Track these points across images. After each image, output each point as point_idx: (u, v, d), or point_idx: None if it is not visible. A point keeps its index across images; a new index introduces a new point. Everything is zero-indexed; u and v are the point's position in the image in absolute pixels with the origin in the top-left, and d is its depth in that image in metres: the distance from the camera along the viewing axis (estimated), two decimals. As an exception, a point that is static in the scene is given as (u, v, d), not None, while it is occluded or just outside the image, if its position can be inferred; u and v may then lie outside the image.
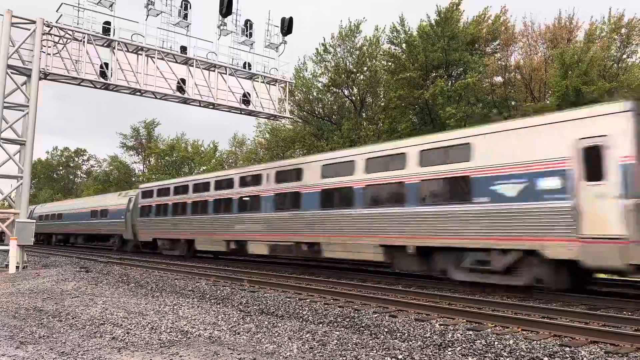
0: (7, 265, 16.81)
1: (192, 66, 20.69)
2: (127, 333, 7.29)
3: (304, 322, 8.44)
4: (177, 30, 20.43)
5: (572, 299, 10.87)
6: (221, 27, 21.26)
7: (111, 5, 18.92)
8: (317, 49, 33.98)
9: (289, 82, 23.97)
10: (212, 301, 10.82)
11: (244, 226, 19.25)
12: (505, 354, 6.40)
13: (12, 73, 17.29)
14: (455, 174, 12.38)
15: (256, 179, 19.25)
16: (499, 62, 30.11)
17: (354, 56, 32.90)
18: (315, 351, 6.38)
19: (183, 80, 20.52)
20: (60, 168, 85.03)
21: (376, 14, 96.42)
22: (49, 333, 7.26)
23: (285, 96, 23.52)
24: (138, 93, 20.02)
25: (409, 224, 13.29)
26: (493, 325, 8.15)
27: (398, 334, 7.51)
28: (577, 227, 10.05)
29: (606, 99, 23.48)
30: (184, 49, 20.56)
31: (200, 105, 21.64)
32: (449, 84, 28.65)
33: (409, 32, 29.80)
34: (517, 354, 6.39)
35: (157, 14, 19.92)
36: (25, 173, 17.48)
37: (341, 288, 12.70)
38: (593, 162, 10.06)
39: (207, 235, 21.63)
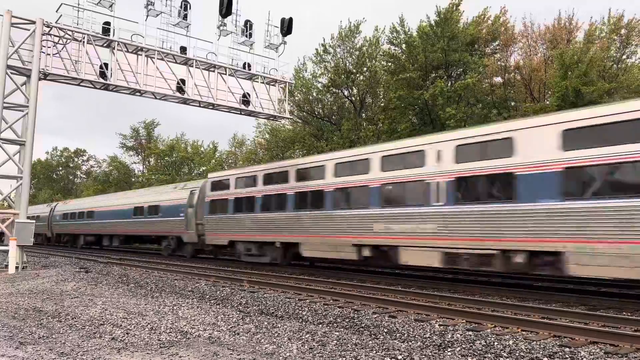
0: (6, 266, 16.80)
1: (192, 66, 20.69)
2: (127, 333, 7.29)
3: (304, 323, 8.44)
4: (176, 31, 20.43)
5: (571, 299, 10.88)
6: (221, 28, 21.25)
7: (111, 6, 18.91)
8: (316, 49, 34.01)
9: (289, 82, 23.97)
10: (212, 302, 10.81)
11: (395, 226, 14.02)
12: (505, 354, 6.40)
13: (11, 73, 17.28)
14: None
15: (418, 157, 13.88)
16: (499, 63, 30.11)
17: (353, 57, 32.90)
18: (315, 352, 6.38)
19: (183, 81, 20.51)
20: (60, 168, 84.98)
21: (376, 14, 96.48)
22: (48, 333, 7.25)
23: (285, 96, 23.51)
24: (138, 93, 20.01)
25: None
26: (493, 325, 8.15)
27: (398, 335, 7.51)
28: None
29: (606, 99, 23.53)
30: (183, 49, 20.56)
31: (200, 106, 21.63)
32: (449, 84, 28.65)
33: (408, 33, 29.80)
34: (517, 354, 6.39)
35: (157, 15, 19.91)
36: (25, 173, 17.48)
37: (341, 288, 12.70)
38: None
39: (322, 237, 16.42)
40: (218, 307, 10.01)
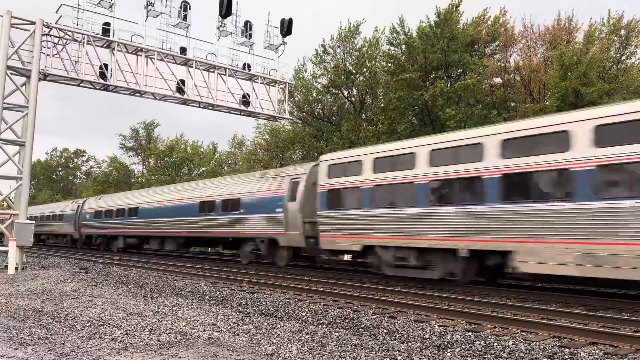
0: (6, 266, 16.80)
1: (192, 67, 20.71)
2: (126, 334, 7.29)
3: (303, 323, 8.44)
4: (176, 32, 20.47)
5: (571, 300, 10.88)
6: (221, 28, 21.28)
7: (111, 6, 18.93)
8: (316, 50, 34.01)
9: (289, 83, 23.99)
10: (212, 302, 10.81)
11: None
12: (504, 355, 6.40)
13: (11, 74, 17.29)
14: None
15: None
16: (499, 64, 30.12)
17: (353, 57, 32.92)
18: (315, 352, 6.38)
19: (183, 81, 20.53)
20: (60, 169, 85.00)
21: (376, 14, 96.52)
22: (48, 334, 7.25)
23: (285, 97, 23.54)
24: (137, 94, 20.03)
25: None
26: (492, 326, 8.15)
27: (397, 335, 7.51)
28: None
29: (605, 100, 23.54)
30: (183, 50, 20.58)
31: (199, 106, 21.65)
32: (449, 85, 28.67)
33: (408, 34, 29.83)
34: (517, 355, 6.39)
35: (157, 15, 19.94)
36: (25, 174, 17.48)
37: (340, 289, 12.69)
38: None
39: (568, 243, 10.52)
40: (218, 307, 10.01)
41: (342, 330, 7.93)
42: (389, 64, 31.12)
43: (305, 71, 35.39)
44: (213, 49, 21.29)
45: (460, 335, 7.42)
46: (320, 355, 6.23)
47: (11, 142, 17.73)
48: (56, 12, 18.41)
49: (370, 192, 14.89)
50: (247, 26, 21.98)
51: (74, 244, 37.09)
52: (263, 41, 22.50)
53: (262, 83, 22.47)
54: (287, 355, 6.23)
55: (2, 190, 18.16)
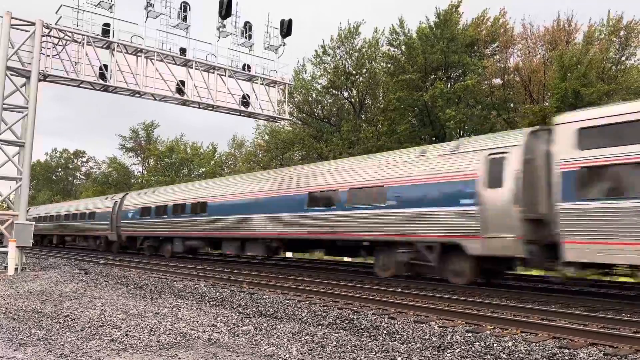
0: (5, 267, 16.80)
1: (192, 68, 20.72)
2: (126, 335, 7.29)
3: (303, 324, 8.44)
4: (176, 32, 20.47)
5: (571, 300, 10.88)
6: (220, 29, 21.30)
7: (110, 7, 18.94)
8: (316, 51, 34.09)
9: (288, 84, 24.00)
10: (211, 303, 10.81)
11: None
12: (504, 356, 6.40)
13: (11, 75, 17.29)
14: None
15: None
16: (498, 64, 30.17)
17: (353, 58, 32.97)
18: (314, 353, 6.38)
19: (182, 82, 20.53)
20: (59, 170, 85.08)
21: (375, 15, 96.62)
22: (47, 335, 7.25)
23: (285, 98, 23.55)
24: (137, 95, 20.03)
25: None
26: (492, 327, 8.15)
27: (397, 336, 7.51)
28: None
29: (605, 100, 23.57)
30: (183, 50, 20.59)
31: (199, 107, 21.65)
32: (448, 86, 28.71)
33: (408, 34, 29.87)
34: (516, 356, 6.39)
35: (157, 16, 19.94)
36: (24, 175, 17.48)
37: (340, 290, 12.69)
38: None
39: None
40: (217, 308, 10.01)
41: (341, 331, 7.93)
42: (389, 65, 31.18)
43: (305, 72, 35.46)
44: (213, 49, 21.32)
45: (460, 336, 7.42)
46: (320, 356, 6.23)
47: (11, 143, 17.72)
48: (56, 12, 18.44)
49: None
50: (247, 27, 22.00)
51: (108, 247, 31.53)
52: (263, 42, 22.53)
53: (262, 84, 22.49)
54: (287, 356, 6.23)
55: (2, 191, 18.16)
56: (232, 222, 20.73)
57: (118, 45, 19.04)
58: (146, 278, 15.67)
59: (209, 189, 23.49)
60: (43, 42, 17.65)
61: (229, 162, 58.27)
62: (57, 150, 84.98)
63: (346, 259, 24.96)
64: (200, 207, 22.82)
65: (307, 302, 10.86)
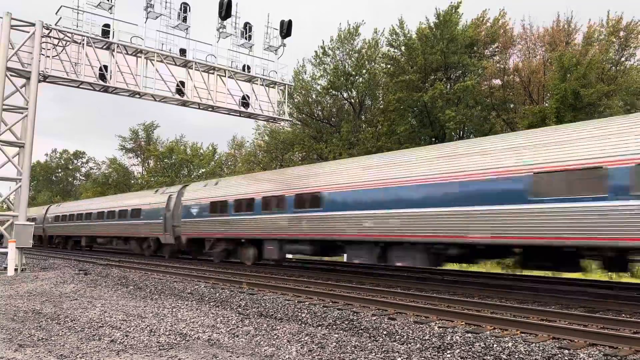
0: (5, 268, 16.79)
1: (192, 69, 20.72)
2: (126, 336, 7.29)
3: (303, 325, 8.44)
4: (176, 33, 20.46)
5: (570, 301, 10.88)
6: (220, 30, 21.30)
7: (110, 8, 18.94)
8: (316, 51, 34.11)
9: (288, 84, 24.01)
10: (211, 304, 10.81)
11: None
12: (504, 356, 6.40)
13: (11, 75, 17.30)
14: None
15: None
16: (498, 65, 30.20)
17: (352, 59, 32.99)
18: (314, 354, 6.38)
19: (182, 83, 20.53)
20: (59, 170, 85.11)
21: (375, 15, 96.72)
22: (47, 336, 7.25)
23: (285, 99, 23.55)
24: (137, 95, 20.03)
25: None
26: (492, 327, 8.15)
27: (397, 337, 7.51)
28: None
29: (604, 101, 23.59)
30: (183, 51, 20.59)
31: (199, 108, 21.64)
32: (448, 86, 28.74)
33: (408, 35, 29.90)
34: (516, 356, 6.39)
35: (157, 17, 19.94)
36: (24, 175, 17.48)
37: (340, 290, 12.69)
38: None
39: None
40: (217, 309, 10.01)
41: (341, 331, 7.93)
42: (389, 66, 31.20)
43: (305, 73, 35.49)
44: (213, 50, 21.32)
45: (460, 337, 7.42)
46: (319, 357, 6.23)
47: (11, 144, 17.73)
48: (56, 13, 18.42)
49: None
50: (247, 28, 22.01)
51: (157, 252, 26.60)
52: (262, 43, 22.53)
53: (262, 84, 22.49)
54: (287, 356, 6.23)
55: (2, 191, 18.18)
56: (366, 219, 15.14)
57: (118, 46, 19.05)
58: (146, 279, 15.67)
59: (324, 175, 17.31)
60: (43, 43, 17.66)
61: (229, 163, 58.30)
62: (57, 151, 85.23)
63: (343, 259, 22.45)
64: (313, 201, 17.05)
65: (307, 302, 10.86)
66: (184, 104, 21.16)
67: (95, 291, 12.38)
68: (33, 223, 18.32)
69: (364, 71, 32.94)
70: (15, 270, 16.76)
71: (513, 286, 14.26)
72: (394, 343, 7.10)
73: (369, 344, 6.91)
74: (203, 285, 13.84)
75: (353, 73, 32.83)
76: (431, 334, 7.66)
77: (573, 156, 10.86)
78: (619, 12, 27.03)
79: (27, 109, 17.52)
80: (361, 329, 8.04)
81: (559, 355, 6.41)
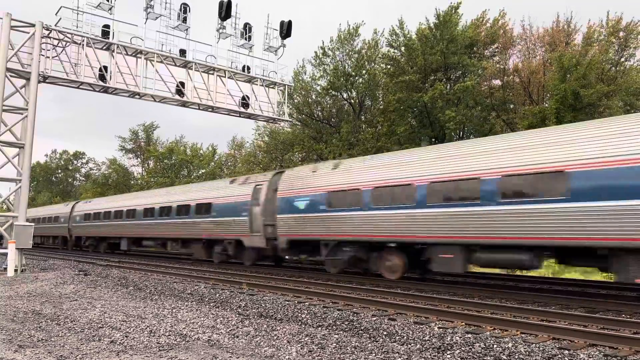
0: (5, 269, 16.79)
1: (191, 69, 20.73)
2: (126, 336, 7.28)
3: (303, 326, 8.43)
4: (176, 34, 20.49)
5: (570, 301, 10.88)
6: (220, 31, 21.32)
7: (110, 9, 18.95)
8: (315, 52, 34.08)
9: (288, 85, 24.01)
10: (211, 304, 10.80)
11: None
12: (504, 357, 6.40)
13: (11, 76, 17.29)
14: None
15: None
16: (498, 65, 30.18)
17: (352, 59, 32.98)
18: (314, 354, 6.37)
19: (182, 84, 20.54)
20: (59, 171, 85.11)
21: (375, 15, 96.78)
22: (47, 336, 7.24)
23: (284, 99, 23.55)
24: (137, 96, 20.03)
25: None
26: (492, 328, 8.15)
27: (397, 337, 7.50)
28: None
29: (604, 102, 23.59)
30: (183, 52, 20.60)
31: (199, 108, 21.65)
32: (448, 87, 28.72)
33: (407, 35, 29.89)
34: (516, 357, 6.39)
35: (156, 18, 19.96)
36: (24, 176, 17.47)
37: (340, 291, 12.69)
38: None
39: None
40: (217, 309, 10.00)
41: (341, 332, 7.93)
42: (388, 66, 31.19)
43: (305, 73, 35.47)
44: (212, 51, 21.34)
45: (460, 337, 7.42)
46: (319, 357, 6.23)
47: (10, 144, 17.72)
48: (56, 14, 18.43)
49: None
50: (247, 28, 22.03)
51: (232, 257, 21.47)
52: (262, 43, 22.55)
53: (262, 85, 22.50)
54: (287, 357, 6.23)
55: (2, 192, 18.18)
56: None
57: (118, 47, 19.05)
58: (146, 279, 15.66)
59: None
60: (43, 43, 17.66)
61: (229, 164, 58.27)
62: (56, 151, 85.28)
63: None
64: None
65: (307, 303, 10.86)
66: (184, 104, 21.16)
67: (95, 292, 12.38)
68: (33, 224, 18.30)
69: (364, 72, 32.91)
70: (15, 270, 16.75)
71: (513, 286, 14.26)
72: (394, 344, 7.10)
73: (369, 345, 6.91)
74: (203, 286, 13.84)
75: (353, 73, 32.80)
76: (431, 334, 7.66)
77: None
78: (619, 13, 27.04)
79: (27, 109, 17.52)
80: (361, 330, 8.04)
81: (559, 356, 6.40)
